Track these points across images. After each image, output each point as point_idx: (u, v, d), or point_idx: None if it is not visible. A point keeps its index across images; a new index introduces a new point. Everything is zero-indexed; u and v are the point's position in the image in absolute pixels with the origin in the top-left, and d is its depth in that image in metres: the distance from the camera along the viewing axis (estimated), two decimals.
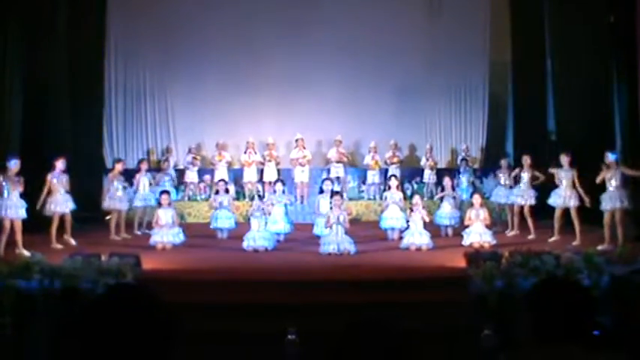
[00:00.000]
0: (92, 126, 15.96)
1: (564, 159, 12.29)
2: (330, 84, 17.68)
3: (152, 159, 17.27)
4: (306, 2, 17.68)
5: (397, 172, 15.94)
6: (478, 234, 12.11)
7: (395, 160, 17.01)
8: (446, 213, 13.57)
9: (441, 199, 13.88)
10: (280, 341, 6.29)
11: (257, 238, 11.97)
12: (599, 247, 10.80)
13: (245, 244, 11.90)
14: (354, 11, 17.64)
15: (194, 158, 16.93)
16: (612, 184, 11.31)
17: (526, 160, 13.26)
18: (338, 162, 16.98)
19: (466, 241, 12.08)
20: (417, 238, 11.92)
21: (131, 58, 17.77)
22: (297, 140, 16.92)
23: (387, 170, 16.65)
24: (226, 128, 17.66)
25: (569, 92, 14.47)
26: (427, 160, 16.95)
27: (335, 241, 11.46)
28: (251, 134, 17.05)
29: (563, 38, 14.55)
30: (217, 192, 13.99)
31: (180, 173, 16.93)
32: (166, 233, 12.23)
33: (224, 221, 13.55)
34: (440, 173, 16.13)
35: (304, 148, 16.93)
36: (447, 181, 13.92)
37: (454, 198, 13.76)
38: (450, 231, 13.46)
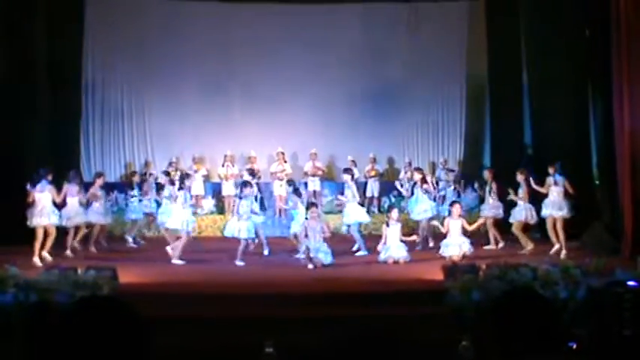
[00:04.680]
0: (70, 140, 15.84)
1: (519, 176, 12.77)
2: (308, 98, 17.75)
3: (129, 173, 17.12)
4: (284, 18, 17.71)
5: (376, 185, 15.98)
6: (457, 245, 12.04)
7: (373, 173, 17.03)
8: (421, 208, 13.57)
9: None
10: (258, 355, 6.26)
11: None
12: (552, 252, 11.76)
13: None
14: (332, 26, 17.70)
15: (174, 171, 16.86)
16: (554, 194, 12.16)
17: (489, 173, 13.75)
18: (313, 175, 16.98)
19: (445, 254, 12.03)
20: (395, 251, 11.94)
21: (109, 72, 17.68)
22: (277, 154, 16.90)
23: (365, 183, 16.74)
24: (204, 142, 17.65)
25: (545, 106, 14.55)
26: (405, 173, 16.97)
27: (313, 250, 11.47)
28: (229, 148, 17.01)
29: (539, 52, 14.63)
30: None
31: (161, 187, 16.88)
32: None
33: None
34: None
35: (285, 162, 16.92)
36: (416, 177, 13.86)
37: (427, 192, 13.70)
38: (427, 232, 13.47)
